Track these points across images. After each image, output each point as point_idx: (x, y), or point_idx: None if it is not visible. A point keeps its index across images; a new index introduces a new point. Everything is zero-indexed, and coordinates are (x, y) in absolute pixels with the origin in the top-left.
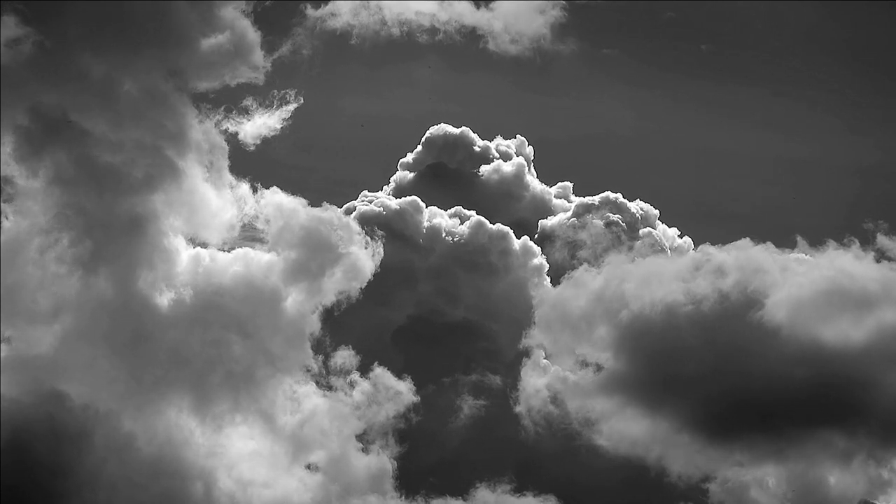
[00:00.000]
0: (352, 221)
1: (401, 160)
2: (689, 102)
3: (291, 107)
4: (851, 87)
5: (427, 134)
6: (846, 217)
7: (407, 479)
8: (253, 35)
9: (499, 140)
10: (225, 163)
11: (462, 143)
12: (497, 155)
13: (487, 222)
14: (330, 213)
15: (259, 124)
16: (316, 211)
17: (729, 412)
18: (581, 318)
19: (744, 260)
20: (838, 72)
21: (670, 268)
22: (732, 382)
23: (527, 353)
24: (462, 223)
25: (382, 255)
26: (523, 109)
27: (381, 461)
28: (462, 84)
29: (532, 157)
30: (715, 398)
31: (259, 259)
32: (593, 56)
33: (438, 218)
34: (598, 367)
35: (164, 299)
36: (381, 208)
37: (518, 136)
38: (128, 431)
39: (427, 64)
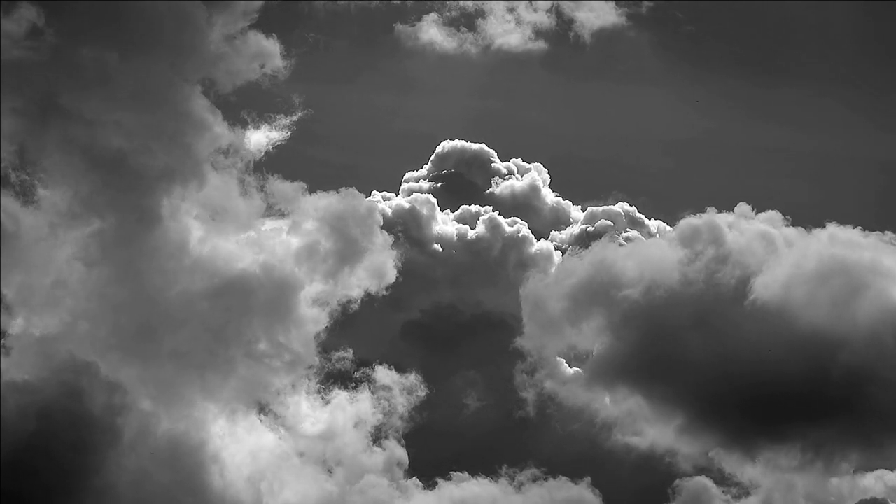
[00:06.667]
0: (376, 211)
1: (406, 174)
2: (716, 101)
3: (296, 115)
4: (878, 85)
5: (437, 150)
6: (876, 212)
7: (424, 469)
8: (269, 43)
9: (517, 161)
10: (246, 155)
11: (476, 162)
12: (517, 175)
13: (502, 220)
14: (353, 200)
15: (262, 135)
16: (339, 198)
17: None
18: (567, 307)
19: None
20: (865, 70)
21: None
22: (732, 369)
23: (520, 353)
24: (473, 227)
25: (408, 252)
26: (538, 102)
27: (395, 453)
28: (469, 77)
29: (549, 181)
30: (714, 386)
31: (278, 250)
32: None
33: (447, 225)
34: (587, 357)
35: (176, 290)
36: (393, 208)
37: (535, 162)
38: (150, 411)
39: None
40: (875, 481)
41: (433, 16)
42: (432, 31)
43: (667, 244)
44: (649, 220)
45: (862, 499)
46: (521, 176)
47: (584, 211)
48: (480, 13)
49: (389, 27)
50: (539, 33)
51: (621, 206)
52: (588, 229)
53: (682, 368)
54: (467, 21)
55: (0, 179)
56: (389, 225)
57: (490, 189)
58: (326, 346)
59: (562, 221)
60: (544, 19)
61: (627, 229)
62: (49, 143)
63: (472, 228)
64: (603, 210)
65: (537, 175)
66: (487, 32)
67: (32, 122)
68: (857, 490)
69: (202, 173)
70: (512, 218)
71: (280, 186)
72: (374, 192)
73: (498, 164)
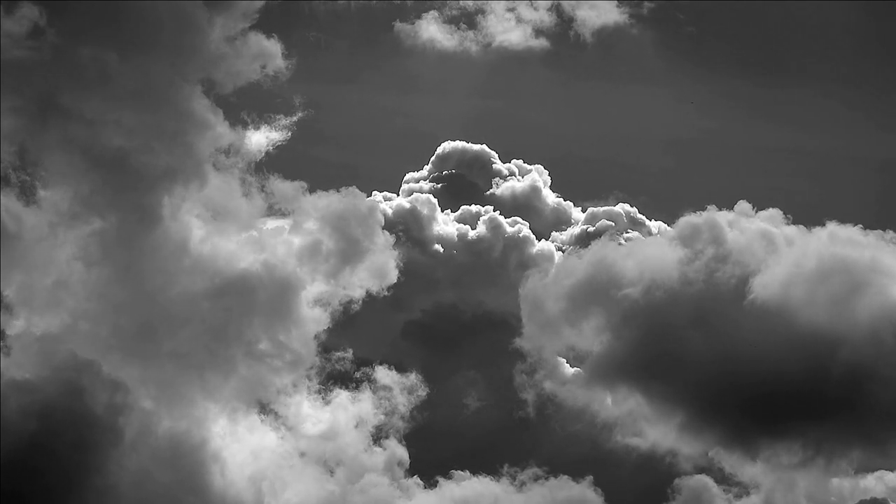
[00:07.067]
0: (378, 210)
1: (407, 174)
2: (717, 101)
3: (297, 116)
4: (878, 84)
5: (438, 151)
6: (876, 211)
7: (425, 469)
8: (270, 43)
9: (518, 162)
10: (247, 155)
11: (477, 163)
12: (518, 177)
13: (503, 221)
14: (355, 199)
15: (262, 135)
16: (340, 197)
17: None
18: (567, 307)
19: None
20: (865, 70)
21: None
22: (732, 367)
23: (520, 353)
24: (473, 227)
25: (409, 252)
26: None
27: (396, 452)
28: (469, 75)
29: (549, 183)
30: (713, 383)
31: (280, 249)
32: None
33: (447, 226)
34: (587, 357)
35: (177, 289)
36: (393, 208)
37: (536, 164)
38: (152, 410)
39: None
40: (876, 482)
41: (433, 13)
42: (432, 29)
43: (666, 242)
44: (650, 220)
45: (862, 499)
46: (522, 177)
47: (584, 212)
48: (481, 11)
49: (389, 25)
50: (540, 32)
51: (622, 207)
52: (589, 230)
53: (682, 367)
54: (467, 19)
55: (0, 179)
56: (390, 225)
57: (491, 190)
58: (327, 346)
59: (563, 222)
60: (545, 17)
61: (628, 230)
62: (49, 142)
63: (472, 229)
64: (604, 211)
65: (538, 176)
66: (488, 30)
67: (33, 122)
68: (857, 490)
69: (203, 173)
70: (513, 218)
71: (281, 186)
72: (374, 193)
73: (499, 165)
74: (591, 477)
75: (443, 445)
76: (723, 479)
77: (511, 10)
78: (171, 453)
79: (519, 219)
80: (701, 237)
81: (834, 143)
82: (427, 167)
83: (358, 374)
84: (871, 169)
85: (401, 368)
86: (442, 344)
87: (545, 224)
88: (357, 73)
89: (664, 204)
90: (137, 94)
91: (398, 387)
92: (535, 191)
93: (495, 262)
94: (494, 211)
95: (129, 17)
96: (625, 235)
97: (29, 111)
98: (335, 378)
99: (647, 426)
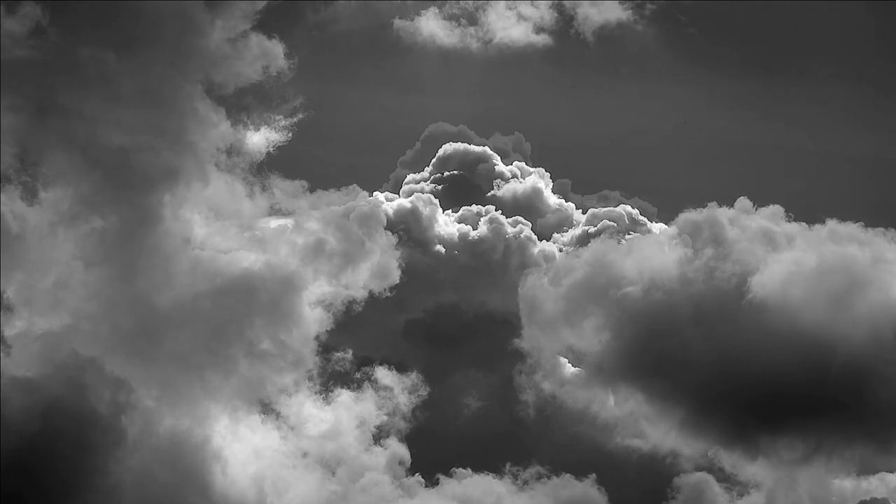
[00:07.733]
0: (380, 210)
1: (407, 176)
2: (718, 101)
3: (297, 117)
4: (878, 83)
5: (439, 152)
6: (876, 209)
7: (426, 468)
8: (272, 44)
9: (520, 164)
10: (249, 155)
11: (479, 165)
12: (520, 178)
13: (505, 221)
14: (357, 198)
15: (263, 136)
16: (342, 196)
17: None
18: (566, 307)
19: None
20: (866, 68)
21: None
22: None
23: (521, 353)
24: (475, 227)
25: (410, 252)
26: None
27: (397, 452)
28: (470, 74)
29: (550, 184)
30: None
31: (281, 249)
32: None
33: (449, 226)
34: (586, 356)
35: (178, 289)
36: (394, 208)
37: (538, 166)
38: (154, 407)
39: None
40: (878, 483)
41: (433, 10)
42: (432, 25)
43: (666, 241)
44: (651, 221)
45: (863, 499)
46: (524, 179)
47: (584, 213)
48: (481, 8)
49: (389, 23)
50: (541, 29)
51: (623, 209)
52: (590, 231)
53: (682, 366)
54: (468, 16)
55: (0, 179)
56: (391, 225)
57: (492, 191)
58: (328, 346)
59: (564, 223)
60: (546, 15)
61: (630, 232)
62: (50, 141)
63: (474, 229)
64: (605, 212)
65: (539, 178)
66: (489, 27)
67: (33, 122)
68: (859, 491)
69: (205, 173)
70: (514, 218)
71: (282, 185)
72: (375, 193)
73: (501, 167)
74: (595, 475)
75: (444, 445)
76: (724, 478)
77: (511, 7)
78: (173, 452)
79: (521, 219)
80: (701, 235)
81: (834, 142)
82: (428, 168)
83: (359, 374)
84: (872, 166)
85: (402, 368)
86: (443, 344)
87: (547, 225)
88: (357, 71)
89: (665, 204)
90: (138, 93)
91: (399, 386)
92: (536, 192)
93: (497, 263)
94: (496, 211)
95: (129, 17)
96: (626, 237)
97: (29, 111)
98: (336, 378)
99: (648, 426)
